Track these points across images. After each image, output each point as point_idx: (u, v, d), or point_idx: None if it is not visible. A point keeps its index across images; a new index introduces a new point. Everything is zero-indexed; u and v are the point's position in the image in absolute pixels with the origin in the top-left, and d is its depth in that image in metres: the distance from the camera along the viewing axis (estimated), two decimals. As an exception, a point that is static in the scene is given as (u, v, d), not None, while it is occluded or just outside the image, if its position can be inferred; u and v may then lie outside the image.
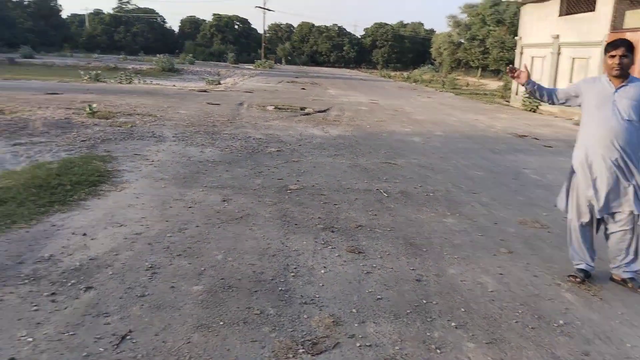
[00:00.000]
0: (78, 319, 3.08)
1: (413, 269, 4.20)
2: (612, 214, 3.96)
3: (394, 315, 3.38)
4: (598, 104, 3.92)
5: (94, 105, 11.76)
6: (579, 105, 4.15)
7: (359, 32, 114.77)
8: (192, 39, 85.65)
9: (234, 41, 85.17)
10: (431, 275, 4.11)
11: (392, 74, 59.24)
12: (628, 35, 15.23)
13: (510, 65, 4.61)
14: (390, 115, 15.97)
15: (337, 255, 4.41)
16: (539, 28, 22.33)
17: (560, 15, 20.83)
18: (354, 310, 3.41)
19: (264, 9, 66.63)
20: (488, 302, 3.67)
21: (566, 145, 11.47)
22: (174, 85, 23.28)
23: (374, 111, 17.06)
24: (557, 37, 20.64)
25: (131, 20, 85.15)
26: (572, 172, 4.14)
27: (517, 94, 23.65)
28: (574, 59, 19.71)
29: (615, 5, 17.38)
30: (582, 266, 4.14)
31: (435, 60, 65.56)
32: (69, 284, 3.55)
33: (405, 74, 56.77)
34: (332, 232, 5.01)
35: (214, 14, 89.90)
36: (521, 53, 24.06)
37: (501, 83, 35.67)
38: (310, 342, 2.99)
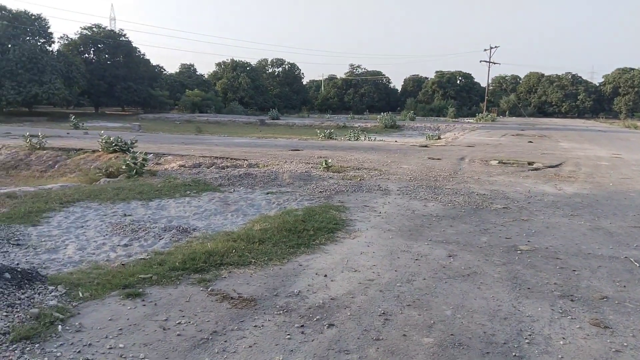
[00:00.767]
0: (323, 352, 3.46)
1: (679, 355, 3.56)
2: None
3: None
4: None
5: (329, 160, 13.11)
6: None
7: (596, 80, 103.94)
8: (414, 96, 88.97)
9: (454, 96, 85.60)
10: None
11: (639, 124, 51.56)
12: None
13: None
14: (639, 172, 13.91)
15: (578, 326, 4.02)
16: None
17: None
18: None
19: (489, 62, 65.59)
20: None
21: None
22: (396, 141, 24.42)
23: (617, 167, 15.09)
24: None
25: (359, 83, 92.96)
26: None
27: None
28: None
29: None
30: None
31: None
32: (315, 319, 4.00)
33: (657, 124, 48.79)
34: (572, 300, 4.58)
35: (437, 71, 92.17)
36: None
37: None
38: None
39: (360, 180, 11.21)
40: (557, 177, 12.62)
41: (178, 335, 3.73)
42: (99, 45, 64.28)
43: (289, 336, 3.71)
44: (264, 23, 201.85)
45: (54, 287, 4.50)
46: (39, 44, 52.63)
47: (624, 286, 4.99)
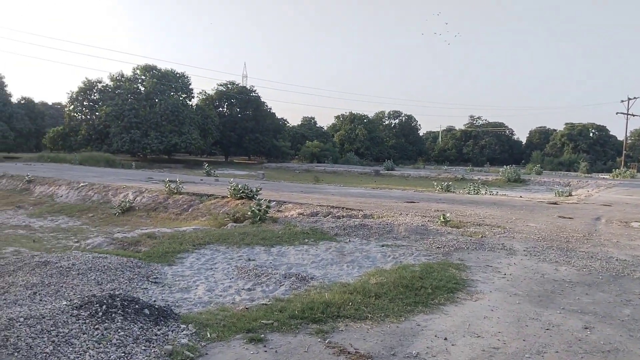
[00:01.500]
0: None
1: None
2: None
3: None
4: None
5: (447, 214, 12.73)
6: None
7: None
8: (540, 149, 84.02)
9: (587, 149, 79.30)
10: None
11: None
12: None
13: None
14: None
15: None
16: None
17: None
18: None
19: (627, 114, 60.17)
20: None
21: None
22: (521, 196, 23.05)
23: None
24: None
25: (480, 134, 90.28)
26: None
27: None
28: None
29: None
30: None
31: None
32: (434, 384, 3.82)
33: None
34: None
35: (566, 123, 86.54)
36: None
37: None
38: None
39: (481, 237, 10.70)
40: None
41: (296, 385, 3.77)
42: (232, 100, 70.33)
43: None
44: (383, 76, 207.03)
45: (185, 326, 4.84)
46: (181, 98, 59.05)
47: None
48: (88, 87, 58.29)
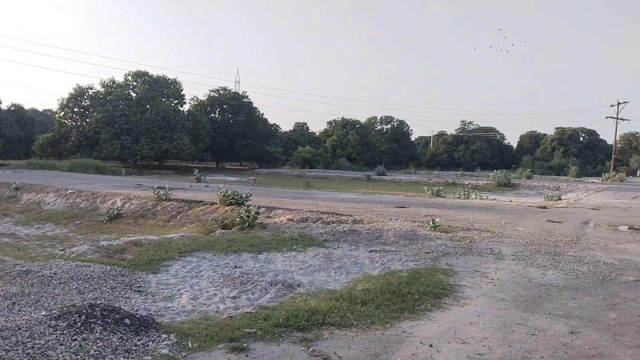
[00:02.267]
0: None
1: None
2: None
3: None
4: None
5: (436, 219, 12.72)
6: None
7: None
8: (531, 153, 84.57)
9: (577, 154, 79.92)
10: None
11: None
12: None
13: None
14: None
15: None
16: None
17: None
18: None
19: (617, 118, 60.70)
20: None
21: None
22: (511, 201, 23.12)
23: None
24: None
25: (471, 139, 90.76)
26: None
27: None
28: None
29: None
30: None
31: None
32: (417, 393, 3.76)
33: None
34: None
35: (557, 128, 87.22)
36: None
37: None
38: None
39: (470, 242, 10.69)
40: None
41: (277, 396, 3.71)
42: (224, 106, 70.16)
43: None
44: (376, 81, 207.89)
45: (166, 336, 4.76)
46: (172, 104, 58.86)
47: None
48: (79, 94, 57.95)
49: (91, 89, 58.77)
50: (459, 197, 23.96)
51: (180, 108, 60.94)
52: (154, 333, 4.79)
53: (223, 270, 7.83)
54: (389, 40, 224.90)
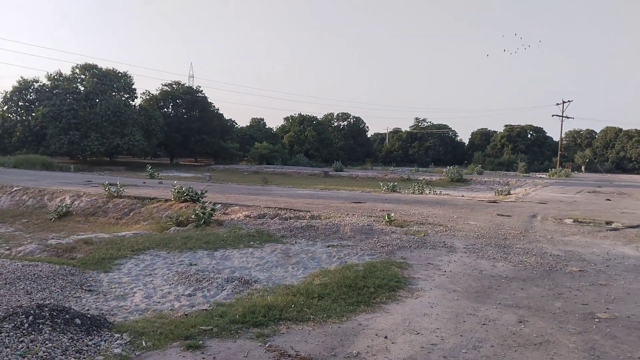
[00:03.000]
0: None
1: None
2: None
3: None
4: None
5: (392, 214, 12.94)
6: None
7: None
8: (482, 150, 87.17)
9: (525, 150, 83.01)
10: None
11: None
12: None
13: None
14: None
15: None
16: None
17: None
18: None
19: (562, 116, 63.47)
20: None
21: None
22: (463, 196, 23.80)
23: None
24: None
25: (425, 136, 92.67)
26: None
27: None
28: None
29: None
30: None
31: None
32: (373, 384, 3.84)
33: None
34: (661, 380, 4.12)
35: (506, 125, 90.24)
36: None
37: None
38: None
39: (424, 235, 10.94)
40: (639, 238, 11.72)
41: (234, 392, 3.69)
42: (177, 101, 68.61)
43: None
44: (332, 78, 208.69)
45: (119, 335, 4.64)
46: (123, 99, 57.05)
47: None
48: (23, 87, 55.18)
49: (37, 82, 56.10)
50: (413, 193, 24.45)
51: (131, 102, 59.11)
52: (106, 333, 4.66)
53: (178, 268, 7.69)
54: (344, 37, 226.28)
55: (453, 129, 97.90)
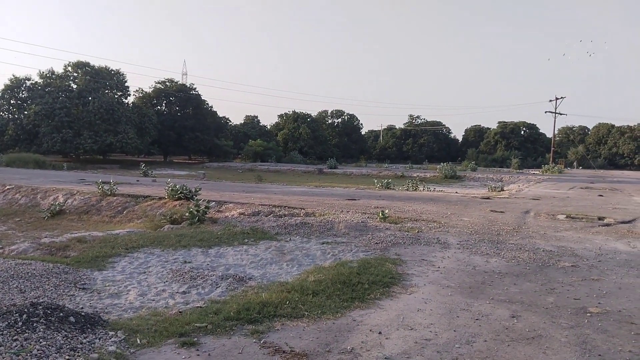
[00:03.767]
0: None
1: None
2: None
3: None
4: None
5: (386, 210, 12.98)
6: None
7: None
8: (475, 146, 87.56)
9: (518, 147, 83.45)
10: None
11: None
12: None
13: None
14: None
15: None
16: None
17: None
18: None
19: (555, 113, 63.75)
20: None
21: None
22: (456, 192, 23.89)
23: (701, 224, 13.91)
24: None
25: (419, 133, 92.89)
26: None
27: None
28: None
29: None
30: None
31: None
32: (367, 379, 3.86)
33: None
34: (651, 372, 4.17)
35: (499, 122, 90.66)
36: None
37: None
38: None
39: (418, 232, 10.99)
40: (631, 233, 11.81)
41: (229, 388, 3.71)
42: (171, 98, 68.35)
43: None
44: (327, 76, 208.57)
45: (114, 333, 4.64)
46: (116, 96, 56.81)
47: None
48: (15, 85, 54.79)
49: (29, 79, 55.73)
50: (407, 189, 24.52)
51: (124, 100, 58.89)
52: (100, 330, 4.66)
53: (172, 266, 7.69)
54: (337, 34, 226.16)
55: (447, 125, 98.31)
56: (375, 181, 27.04)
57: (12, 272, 6.62)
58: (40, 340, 4.24)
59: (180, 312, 5.39)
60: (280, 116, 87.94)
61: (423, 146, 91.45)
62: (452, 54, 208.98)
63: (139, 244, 9.07)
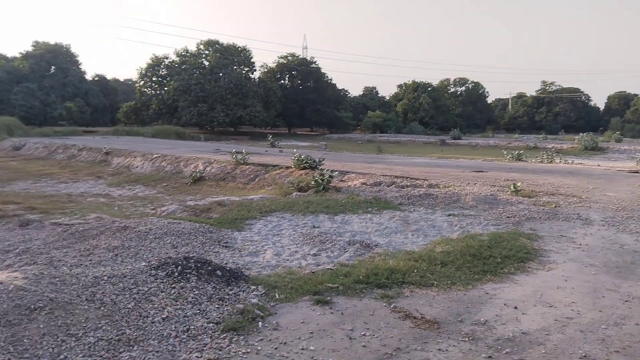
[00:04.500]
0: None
1: None
2: None
3: None
4: None
5: (518, 183, 12.24)
6: None
7: None
8: (620, 115, 78.33)
9: (674, 115, 73.09)
10: None
11: None
12: None
13: None
14: None
15: None
16: None
17: None
18: None
19: None
20: None
21: None
22: (599, 165, 21.72)
23: None
24: None
25: (553, 101, 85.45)
26: None
27: None
28: None
29: None
30: None
31: None
32: (504, 351, 3.76)
33: None
34: None
35: (650, 87, 79.92)
36: None
37: None
38: None
39: (555, 207, 10.23)
40: None
41: (363, 346, 3.84)
42: (293, 72, 70.41)
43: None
44: (448, 43, 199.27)
45: (255, 287, 5.03)
46: (243, 72, 59.95)
47: None
48: (156, 63, 60.32)
49: (167, 58, 60.97)
50: (541, 162, 22.85)
51: (251, 75, 61.91)
52: (243, 284, 5.08)
53: (302, 230, 8.06)
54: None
55: (586, 92, 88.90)
56: (505, 152, 25.55)
57: (165, 230, 7.43)
58: (194, 289, 4.74)
59: (312, 272, 5.65)
60: (400, 86, 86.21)
61: (558, 115, 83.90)
62: (588, 13, 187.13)
63: (271, 209, 9.62)
